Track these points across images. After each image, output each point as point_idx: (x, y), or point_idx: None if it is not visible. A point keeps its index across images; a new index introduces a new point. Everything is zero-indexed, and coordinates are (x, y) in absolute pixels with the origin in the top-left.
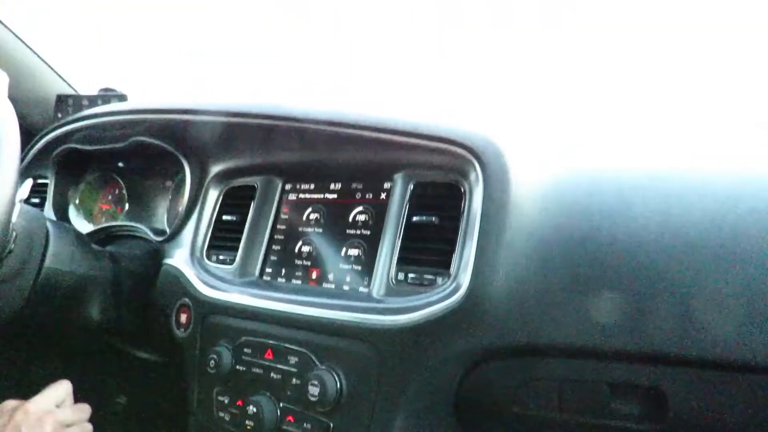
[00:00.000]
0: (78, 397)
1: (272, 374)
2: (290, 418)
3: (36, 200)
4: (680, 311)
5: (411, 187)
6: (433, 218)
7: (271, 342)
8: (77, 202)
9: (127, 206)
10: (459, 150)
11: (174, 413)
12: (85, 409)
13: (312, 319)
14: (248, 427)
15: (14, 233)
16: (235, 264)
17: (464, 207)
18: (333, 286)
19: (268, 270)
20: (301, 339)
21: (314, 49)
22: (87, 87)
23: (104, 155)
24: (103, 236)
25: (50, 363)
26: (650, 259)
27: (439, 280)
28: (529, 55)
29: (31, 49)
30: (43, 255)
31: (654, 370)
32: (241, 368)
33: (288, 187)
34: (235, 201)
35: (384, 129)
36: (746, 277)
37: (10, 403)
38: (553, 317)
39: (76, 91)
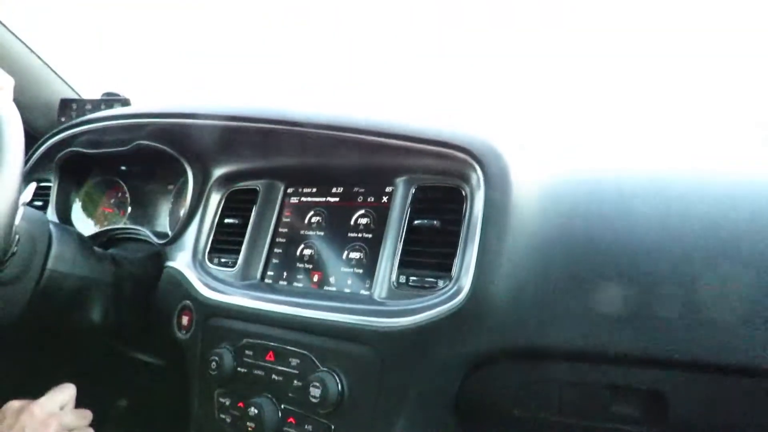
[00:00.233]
0: (79, 399)
1: (273, 376)
2: (291, 420)
3: (39, 203)
4: (681, 314)
5: (413, 190)
6: (435, 222)
7: (272, 344)
8: (80, 205)
9: (129, 209)
10: (460, 154)
11: (175, 415)
12: (87, 415)
13: (313, 322)
14: (249, 429)
15: (17, 236)
16: (236, 267)
17: (465, 210)
18: (334, 288)
19: (270, 273)
20: (303, 341)
21: (314, 49)
22: (90, 91)
23: (107, 159)
24: (106, 239)
25: (52, 365)
26: (650, 262)
27: (441, 283)
28: (528, 55)
29: (35, 53)
30: (46, 257)
31: (655, 374)
32: (242, 370)
33: (290, 190)
34: (237, 204)
35: (386, 133)
36: (747, 279)
37: (15, 404)
38: (554, 320)
39: (79, 95)
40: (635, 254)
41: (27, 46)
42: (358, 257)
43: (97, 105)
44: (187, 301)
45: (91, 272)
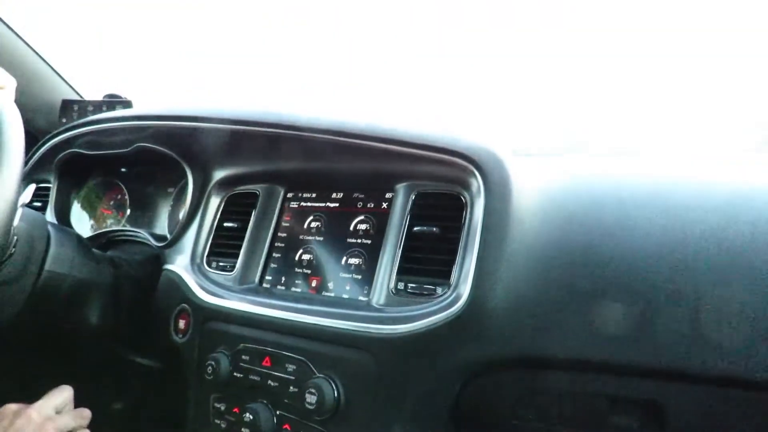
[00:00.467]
0: (75, 401)
1: (270, 382)
2: (287, 426)
3: (38, 204)
4: (680, 326)
5: (413, 197)
6: (434, 228)
7: (269, 349)
8: (79, 206)
9: (128, 211)
10: (461, 161)
11: (170, 420)
12: (85, 415)
13: (311, 327)
14: None
15: (15, 237)
16: (235, 271)
17: (465, 218)
18: (333, 294)
19: (268, 277)
20: (300, 347)
21: (314, 49)
22: (92, 93)
23: (107, 161)
24: (104, 241)
25: (49, 367)
26: (651, 273)
27: (439, 290)
28: (528, 56)
29: (37, 54)
30: (44, 258)
31: (653, 385)
32: (238, 375)
33: (290, 195)
34: (237, 208)
35: (387, 139)
36: (747, 291)
37: (11, 407)
38: (553, 330)
39: (81, 96)
40: (635, 264)
41: (29, 47)
42: (356, 263)
43: (98, 106)
44: (185, 305)
45: (89, 274)
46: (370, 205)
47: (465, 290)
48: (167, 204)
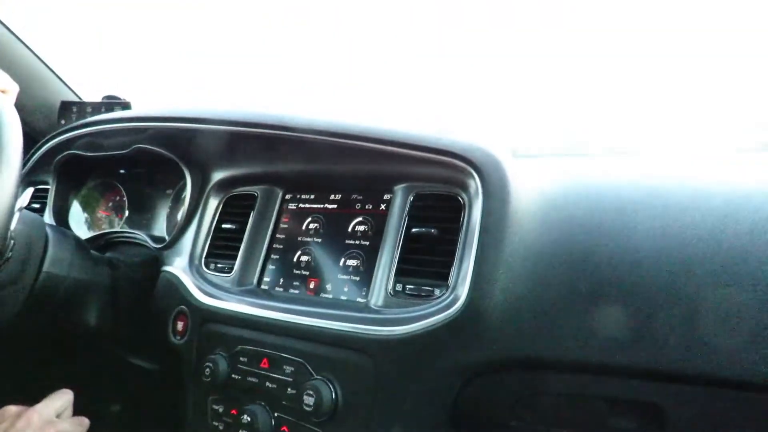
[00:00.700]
0: (74, 402)
1: (268, 383)
2: (285, 428)
3: (36, 205)
4: (679, 328)
5: (411, 198)
6: (433, 230)
7: (267, 351)
8: (78, 208)
9: (127, 213)
10: (459, 162)
11: (168, 422)
12: (83, 423)
13: (309, 329)
14: None
15: (12, 242)
16: (233, 272)
17: (463, 219)
18: (331, 296)
19: (266, 279)
20: (298, 348)
21: (314, 49)
22: (91, 94)
23: (106, 162)
24: (103, 242)
25: (48, 368)
26: (650, 276)
27: (437, 291)
28: (528, 56)
29: (36, 55)
30: (42, 260)
31: (652, 387)
32: (236, 377)
33: (288, 196)
34: (235, 210)
35: (385, 141)
36: (746, 293)
37: (12, 409)
38: (551, 332)
39: (80, 98)
40: (634, 266)
41: (29, 48)
42: (355, 264)
43: (97, 108)
44: (183, 307)
45: (87, 275)
46: (369, 206)
47: (463, 292)
48: (165, 205)
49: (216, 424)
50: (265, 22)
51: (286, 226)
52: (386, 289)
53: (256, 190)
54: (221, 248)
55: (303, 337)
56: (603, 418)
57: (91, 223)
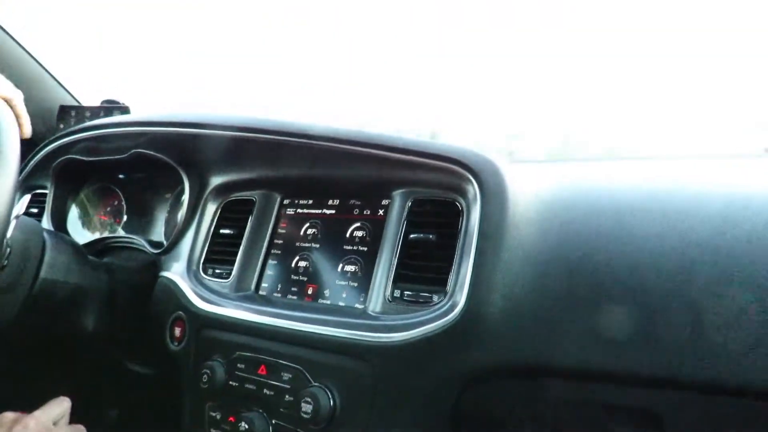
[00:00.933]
0: (71, 409)
1: (265, 390)
2: None
3: (34, 210)
4: (678, 334)
5: (409, 204)
6: (431, 236)
7: (265, 357)
8: (76, 213)
9: (125, 218)
10: (457, 168)
11: (166, 428)
12: (81, 430)
13: (307, 335)
14: None
15: (8, 249)
16: (231, 278)
17: (461, 225)
18: (329, 302)
19: (264, 285)
20: (296, 355)
21: (314, 49)
22: (90, 98)
23: (104, 167)
24: (101, 247)
25: (45, 374)
26: (647, 280)
27: (435, 297)
28: (528, 56)
29: (35, 59)
30: (39, 265)
31: (650, 393)
32: (234, 384)
33: (286, 201)
34: (233, 215)
35: (383, 146)
36: (745, 298)
37: (9, 416)
38: (549, 338)
39: (79, 102)
40: (632, 271)
41: (27, 52)
42: (353, 270)
43: (96, 112)
44: (180, 312)
45: (85, 281)
46: (367, 212)
47: (461, 298)
48: (164, 210)
49: (213, 431)
50: (265, 22)
51: (284, 231)
52: (384, 295)
53: (254, 195)
54: (219, 253)
55: (301, 344)
56: (601, 424)
57: (89, 228)
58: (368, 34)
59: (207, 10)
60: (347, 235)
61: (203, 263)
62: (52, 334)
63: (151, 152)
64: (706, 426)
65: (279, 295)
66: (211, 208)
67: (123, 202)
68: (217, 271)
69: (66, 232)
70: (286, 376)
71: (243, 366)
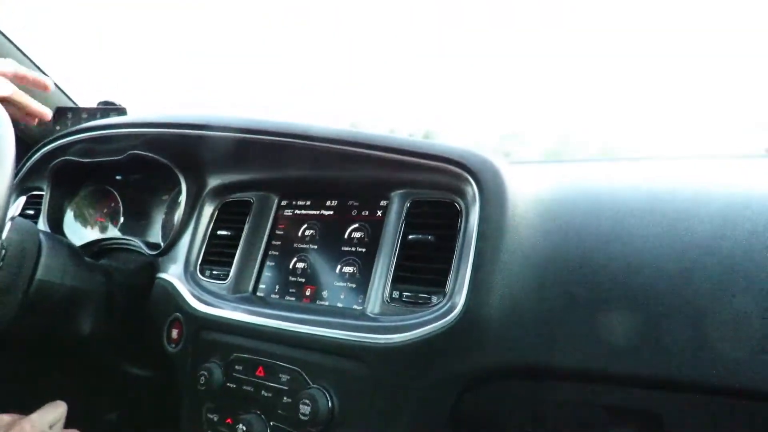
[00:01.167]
0: (68, 411)
1: (263, 392)
2: None
3: (31, 212)
4: (678, 335)
5: (407, 205)
6: (429, 237)
7: (262, 359)
8: (72, 214)
9: (122, 219)
10: (456, 169)
11: (163, 430)
12: None
13: (305, 337)
14: None
15: (4, 251)
16: (228, 279)
17: (460, 226)
18: (327, 303)
19: (262, 286)
20: (294, 357)
21: (314, 49)
22: (87, 98)
23: (101, 168)
24: (97, 249)
25: (42, 376)
26: (647, 281)
27: (434, 299)
28: (528, 56)
29: (32, 61)
30: (35, 268)
31: (650, 395)
32: (231, 385)
33: (284, 202)
34: (231, 216)
35: (382, 147)
36: (745, 300)
37: (5, 418)
38: (549, 339)
39: (75, 103)
40: (632, 273)
41: (23, 53)
42: (351, 271)
43: (93, 113)
44: (178, 314)
45: (82, 283)
46: (365, 212)
47: (460, 299)
48: (161, 212)
49: None
50: (265, 22)
51: (281, 232)
52: (383, 296)
53: (251, 196)
54: (216, 255)
55: (299, 345)
56: (601, 426)
57: (86, 230)
58: (367, 35)
59: (207, 10)
60: (345, 236)
61: (200, 265)
62: (48, 336)
63: (148, 153)
64: (706, 427)
65: (277, 296)
66: (208, 210)
67: (120, 204)
68: (215, 272)
69: (62, 233)
70: (284, 377)
71: (241, 368)
